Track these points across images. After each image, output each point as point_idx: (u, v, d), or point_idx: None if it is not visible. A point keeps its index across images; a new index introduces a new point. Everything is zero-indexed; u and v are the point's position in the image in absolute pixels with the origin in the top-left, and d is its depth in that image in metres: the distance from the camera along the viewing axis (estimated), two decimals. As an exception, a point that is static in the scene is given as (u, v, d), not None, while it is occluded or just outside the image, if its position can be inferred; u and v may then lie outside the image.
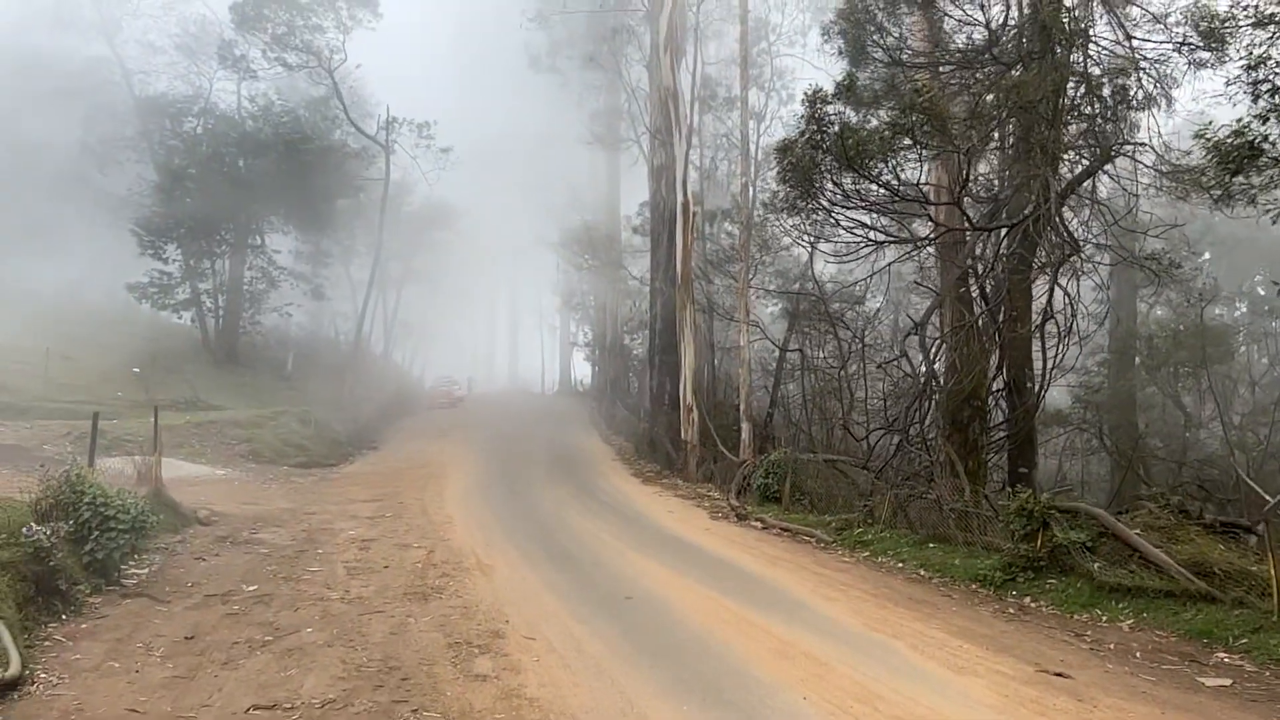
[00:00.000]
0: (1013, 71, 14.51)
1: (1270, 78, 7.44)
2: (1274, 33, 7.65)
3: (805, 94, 14.28)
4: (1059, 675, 7.10)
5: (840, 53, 15.81)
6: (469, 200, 51.72)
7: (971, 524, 12.93)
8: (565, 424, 38.43)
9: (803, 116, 14.38)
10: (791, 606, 9.47)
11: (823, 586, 10.57)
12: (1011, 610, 9.65)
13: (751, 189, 26.22)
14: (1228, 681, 7.00)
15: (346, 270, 44.48)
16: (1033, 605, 9.81)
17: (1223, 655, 7.74)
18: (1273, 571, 8.28)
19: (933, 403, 16.22)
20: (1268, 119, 7.63)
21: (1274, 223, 8.63)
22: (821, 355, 25.77)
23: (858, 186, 14.64)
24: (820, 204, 15.08)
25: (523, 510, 16.61)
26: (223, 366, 36.10)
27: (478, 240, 57.61)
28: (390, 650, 7.51)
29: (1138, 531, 10.18)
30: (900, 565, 12.23)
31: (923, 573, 11.68)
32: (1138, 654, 7.85)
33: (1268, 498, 9.03)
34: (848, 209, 15.28)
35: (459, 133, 45.78)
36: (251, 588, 9.74)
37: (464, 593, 9.83)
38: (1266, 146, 7.73)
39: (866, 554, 13.09)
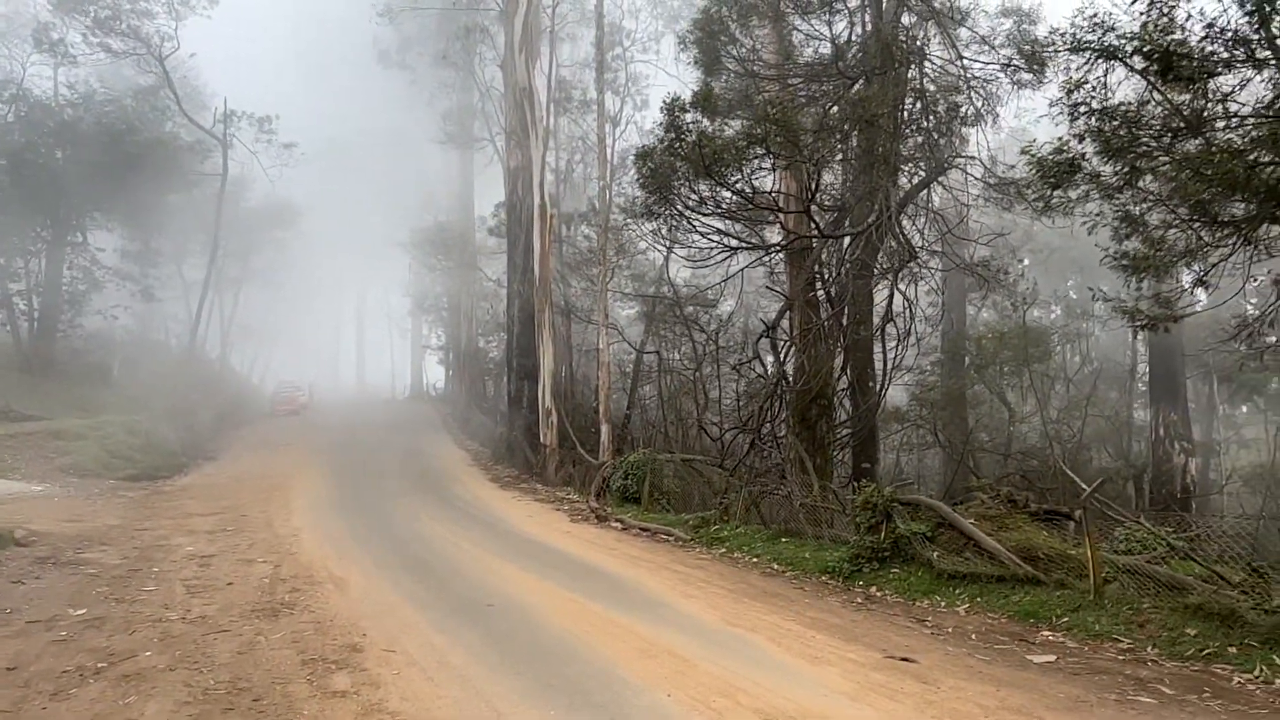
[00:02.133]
0: (857, 86, 15.27)
1: (1087, 100, 8.14)
2: (1089, 58, 8.36)
3: (664, 102, 14.55)
4: (905, 660, 7.51)
5: (695, 62, 16.21)
6: (315, 199, 49.85)
7: (820, 518, 13.52)
8: (418, 430, 37.54)
9: (661, 124, 14.66)
10: (653, 605, 9.62)
11: (682, 584, 10.78)
12: (859, 600, 10.14)
13: (609, 192, 26.43)
14: (1052, 658, 7.59)
15: (179, 270, 41.94)
16: (878, 594, 10.34)
17: (1048, 634, 8.39)
18: (1089, 554, 9.04)
19: (783, 402, 16.83)
20: (1084, 138, 8.35)
21: (1089, 233, 9.47)
22: (678, 357, 26.28)
23: (713, 193, 15.06)
24: (677, 209, 15.40)
25: (376, 521, 16.12)
26: (39, 374, 33.24)
27: (324, 240, 55.59)
28: (239, 671, 7.15)
29: (972, 521, 10.90)
30: (755, 560, 12.63)
31: (776, 567, 12.11)
32: (973, 636, 8.40)
33: (1084, 486, 9.87)
34: (703, 215, 15.68)
35: (304, 128, 43.92)
36: (80, 611, 9.06)
37: (316, 607, 9.46)
38: (1082, 163, 8.46)
39: (723, 550, 13.46)
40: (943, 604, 9.67)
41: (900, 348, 16.78)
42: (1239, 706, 6.24)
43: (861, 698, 6.55)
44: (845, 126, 14.40)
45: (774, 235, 17.39)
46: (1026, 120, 16.91)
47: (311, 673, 7.10)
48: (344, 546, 13.45)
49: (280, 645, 7.94)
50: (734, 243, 16.56)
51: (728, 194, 14.99)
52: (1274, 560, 10.51)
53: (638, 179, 15.68)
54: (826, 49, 16.69)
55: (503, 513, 17.72)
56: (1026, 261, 31.97)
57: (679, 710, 6.27)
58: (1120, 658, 7.56)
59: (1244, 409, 38.25)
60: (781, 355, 16.90)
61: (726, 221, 16.45)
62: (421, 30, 37.16)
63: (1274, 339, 10.40)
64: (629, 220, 20.76)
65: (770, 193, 16.37)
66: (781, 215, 16.42)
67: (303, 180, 44.06)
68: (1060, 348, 31.66)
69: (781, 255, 17.82)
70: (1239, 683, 6.78)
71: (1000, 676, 7.07)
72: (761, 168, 15.55)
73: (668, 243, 19.03)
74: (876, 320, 16.98)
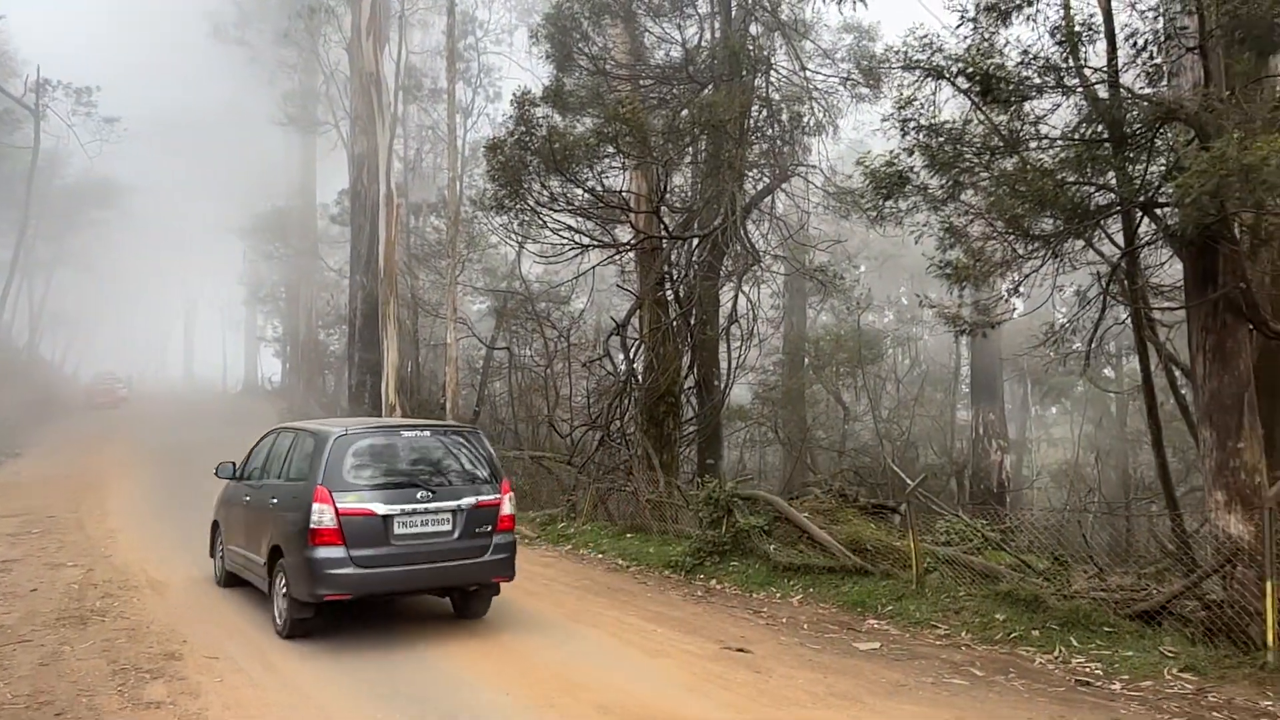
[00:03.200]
0: (705, 91, 15.60)
1: (916, 116, 8.60)
2: (919, 76, 8.84)
3: (514, 95, 14.41)
4: (740, 650, 7.74)
5: (548, 57, 16.13)
6: (142, 180, 46.53)
7: (665, 513, 13.75)
8: (250, 426, 35.46)
9: (512, 117, 14.51)
10: (495, 604, 9.52)
11: (526, 582, 10.69)
12: (700, 593, 10.37)
13: (459, 184, 25.93)
14: (877, 645, 8.00)
15: (-20, 250, 38.27)
16: (718, 587, 10.61)
17: (874, 622, 8.83)
18: (912, 546, 9.59)
19: (632, 400, 17.01)
20: (913, 152, 8.82)
21: (915, 242, 10.03)
22: (529, 353, 26.08)
23: (565, 190, 15.04)
24: (528, 204, 15.28)
25: (200, 522, 15.17)
26: None
27: (151, 223, 52.00)
28: (40, 684, 6.60)
29: (807, 515, 11.35)
30: (601, 556, 12.71)
31: (621, 562, 12.23)
32: (805, 625, 8.74)
33: (908, 481, 10.45)
34: (555, 211, 15.63)
35: (131, 103, 40.97)
36: None
37: (132, 614, 8.86)
38: (911, 176, 8.94)
39: (569, 547, 13.48)
40: (778, 595, 10.02)
41: (744, 348, 17.28)
42: (1039, 685, 6.75)
43: (698, 688, 6.70)
44: (694, 130, 14.67)
45: (625, 234, 17.53)
46: (864, 133, 17.76)
47: (123, 683, 6.63)
48: (164, 549, 12.66)
49: (89, 655, 7.38)
50: (585, 240, 16.59)
51: (579, 191, 14.99)
52: (1074, 550, 11.44)
53: (488, 172, 15.45)
54: (678, 53, 16.98)
55: (341, 512, 17.08)
56: (863, 268, 33.53)
57: (519, 708, 6.23)
58: (938, 643, 8.04)
59: (1053, 410, 41.54)
60: (631, 353, 17.08)
61: (579, 219, 16.46)
62: (262, 5, 35.36)
63: (1078, 345, 11.25)
64: (479, 213, 20.42)
65: (621, 192, 16.49)
66: (632, 215, 16.58)
67: (128, 159, 41.11)
68: (892, 350, 33.40)
69: (632, 254, 18.00)
70: (1040, 663, 7.34)
71: (829, 664, 7.38)
72: (613, 166, 15.66)
73: (520, 238, 18.86)
74: (722, 321, 17.40)
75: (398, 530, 7.75)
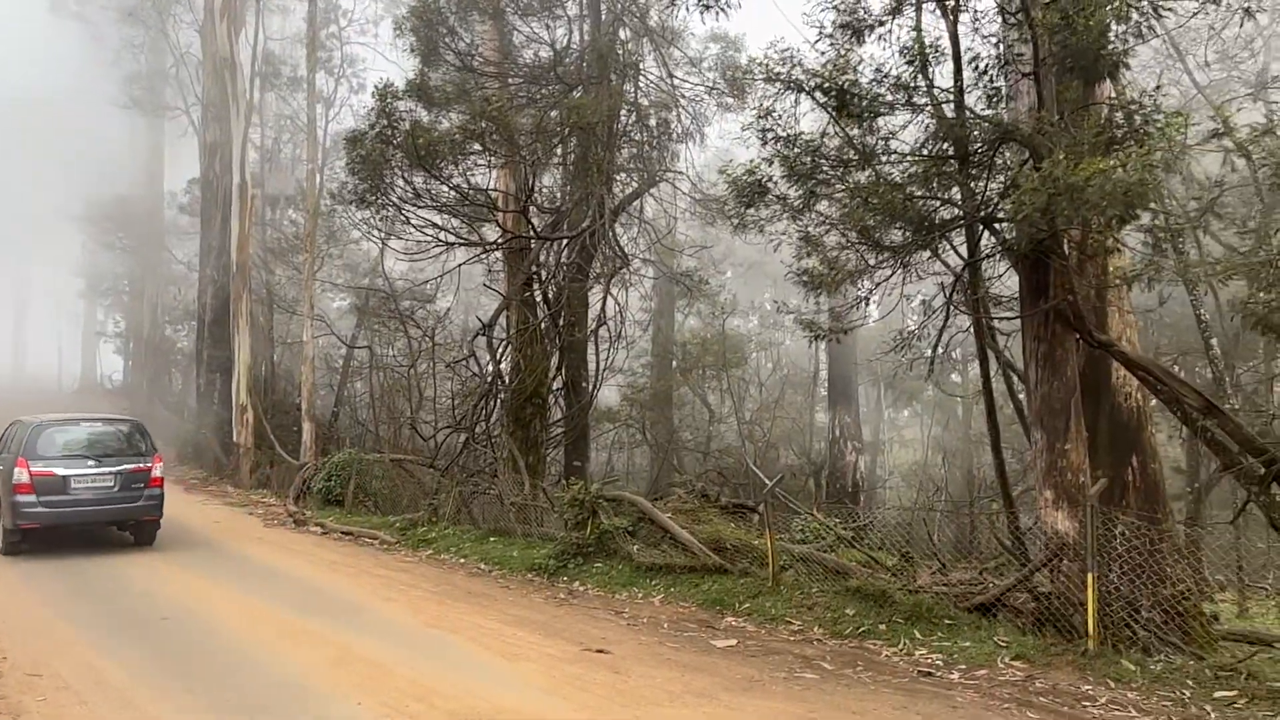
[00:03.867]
0: (574, 92, 15.59)
1: (775, 127, 8.84)
2: (779, 88, 9.09)
3: (376, 87, 14.01)
4: (600, 651, 7.76)
5: (413, 50, 15.75)
6: (-35, 160, 42.63)
7: (530, 516, 13.65)
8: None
9: (374, 109, 14.09)
10: (350, 611, 9.23)
11: (383, 588, 10.43)
12: (562, 595, 10.34)
13: (319, 176, 24.95)
14: (734, 642, 8.17)
15: None
16: (581, 589, 10.61)
17: (732, 619, 9.03)
18: (769, 544, 9.84)
19: (498, 401, 16.81)
20: (773, 162, 9.06)
21: (774, 250, 10.31)
22: (391, 353, 25.40)
23: (429, 186, 14.70)
24: (391, 200, 14.88)
25: (29, 528, 14.15)
26: None
27: (-24, 210, 47.75)
28: None
29: (670, 515, 11.49)
30: (462, 561, 12.51)
31: (483, 566, 12.06)
32: (666, 625, 8.85)
33: (767, 481, 10.71)
34: (419, 207, 15.27)
35: (-48, 79, 37.49)
36: None
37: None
38: (771, 185, 9.18)
39: (430, 552, 13.20)
40: (640, 595, 10.10)
41: (612, 350, 17.35)
42: (885, 677, 7.05)
43: (555, 691, 6.67)
44: (563, 131, 14.64)
45: (493, 233, 17.31)
46: (730, 141, 18.15)
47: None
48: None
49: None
50: (450, 238, 16.27)
51: (445, 188, 14.70)
52: (922, 547, 12.00)
53: (348, 165, 14.94)
54: (547, 53, 16.90)
55: (187, 518, 16.16)
56: (729, 274, 34.28)
57: (370, 718, 6.04)
58: (791, 638, 8.29)
59: (906, 413, 43.56)
60: (498, 354, 16.87)
61: (444, 216, 16.13)
62: (105, -21, 33.09)
63: (928, 352, 11.77)
64: (340, 207, 19.74)
65: (488, 190, 16.26)
66: (500, 214, 16.38)
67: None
68: (756, 354, 34.23)
69: (500, 254, 17.79)
70: (887, 656, 7.67)
71: (687, 662, 7.49)
72: (479, 164, 15.44)
73: (382, 234, 18.35)
74: (591, 323, 17.42)
75: (74, 485, 12.00)
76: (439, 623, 8.85)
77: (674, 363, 26.77)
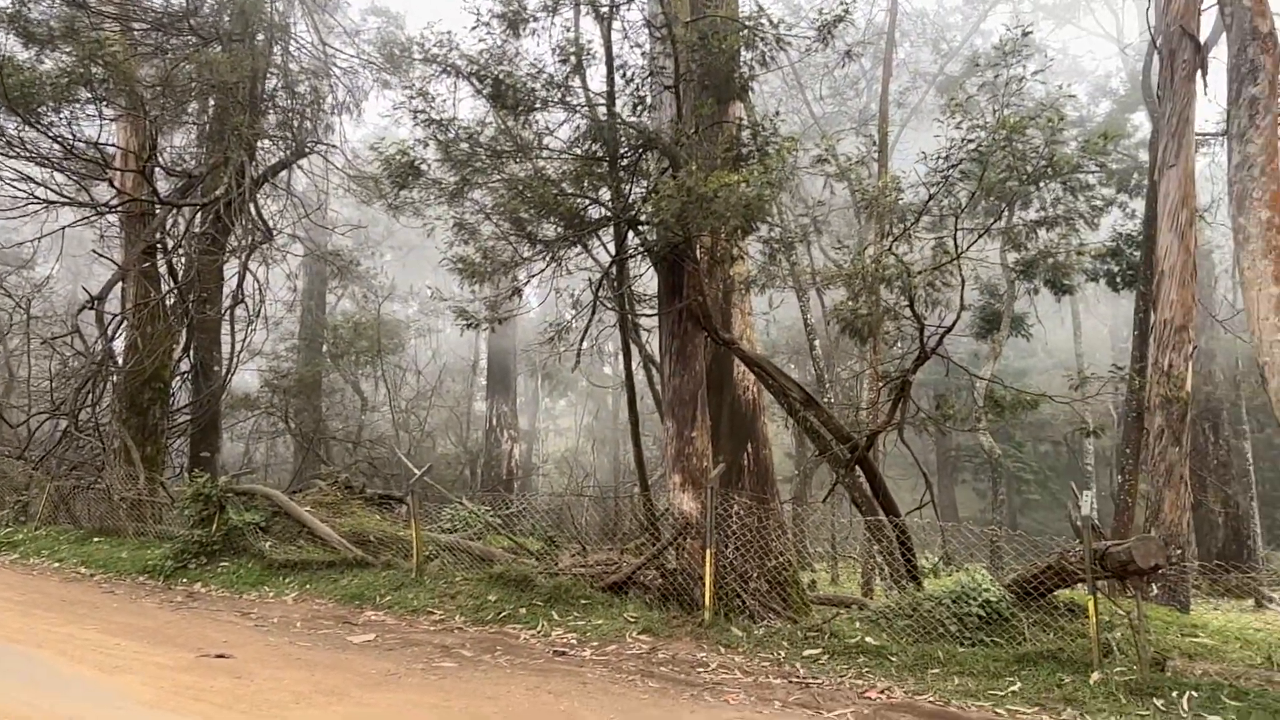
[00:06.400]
0: (213, 48, 14.16)
1: (428, 109, 8.67)
2: (437, 71, 8.93)
3: (-45, 8, 11.74)
4: (220, 657, 7.13)
5: (11, -28, 13.39)
6: None
7: (145, 513, 12.27)
8: None
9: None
10: (-103, 634, 7.68)
11: (-53, 603, 8.81)
12: (180, 598, 9.40)
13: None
14: (372, 636, 7.91)
15: None
16: (203, 590, 9.71)
17: (371, 613, 8.74)
18: (414, 535, 9.67)
19: (109, 385, 14.87)
20: (427, 144, 8.89)
21: (428, 235, 10.15)
22: (-30, 326, 21.48)
23: (22, 134, 12.56)
24: (-29, 145, 12.56)
25: None
26: None
27: None
28: None
29: (309, 509, 10.90)
30: (58, 565, 10.95)
31: (84, 570, 10.63)
32: (299, 624, 8.35)
33: (416, 471, 10.52)
34: (9, 157, 13.01)
35: None
36: None
37: None
38: (425, 168, 9.00)
39: (15, 557, 11.42)
40: (272, 594, 9.46)
41: (250, 330, 16.04)
42: (522, 659, 7.20)
43: (163, 703, 6.02)
44: (196, 88, 13.24)
45: (108, 194, 15.22)
46: (391, 120, 17.55)
47: None
48: None
49: None
50: (53, 196, 14.06)
51: (45, 138, 12.66)
52: (570, 531, 12.46)
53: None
54: (180, 1, 15.18)
55: None
56: (388, 256, 33.25)
57: (-86, 762, 5.05)
58: (432, 628, 8.20)
59: (561, 402, 45.10)
60: (110, 331, 14.89)
61: (44, 170, 13.91)
62: None
63: (586, 345, 12.18)
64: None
65: (101, 145, 14.25)
66: (117, 173, 14.44)
67: None
68: (414, 341, 33.55)
69: (117, 218, 15.72)
70: (525, 638, 7.84)
71: (319, 660, 7.12)
72: (90, 113, 13.47)
73: (-40, 184, 15.41)
74: (226, 300, 15.98)
75: None
76: (22, 636, 7.63)
77: (325, 347, 25.42)
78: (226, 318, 15.69)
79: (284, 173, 15.96)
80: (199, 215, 14.72)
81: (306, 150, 15.32)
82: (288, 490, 12.59)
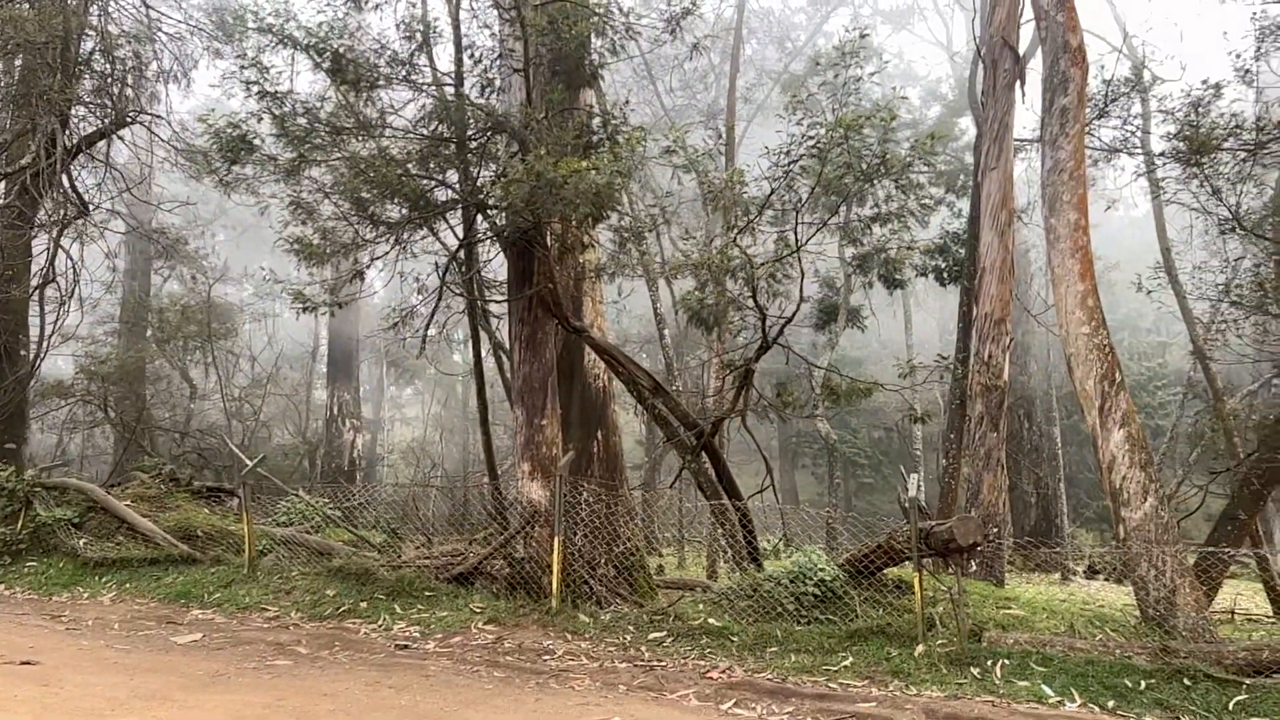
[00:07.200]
0: (18, 3, 12.95)
1: (263, 81, 8.23)
2: (273, 41, 8.49)
3: None
4: (26, 664, 6.59)
5: None
6: None
7: (-63, 512, 11.14)
8: None
9: None
10: None
11: None
12: (-21, 604, 8.61)
13: None
14: (199, 636, 7.49)
15: None
16: (6, 593, 8.95)
17: (198, 612, 8.28)
18: (246, 529, 9.21)
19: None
20: (261, 118, 8.44)
21: (262, 214, 9.65)
22: None
23: None
24: None
25: None
26: None
27: None
28: None
29: (129, 503, 10.20)
30: None
31: None
32: (117, 625, 7.82)
33: (249, 462, 10.01)
34: None
35: None
36: None
37: None
38: (259, 143, 8.54)
39: None
40: (86, 595, 8.82)
41: (63, 312, 14.81)
42: (363, 654, 6.99)
43: (-46, 722, 5.51)
44: (-1, 45, 12.08)
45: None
46: (224, 92, 16.52)
47: None
48: None
49: None
50: None
51: None
52: (416, 522, 12.19)
53: None
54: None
55: None
56: (221, 236, 31.45)
57: None
58: (266, 626, 7.84)
59: (408, 390, 43.95)
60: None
61: None
62: None
63: (434, 331, 11.93)
64: None
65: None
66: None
67: None
68: (249, 326, 31.89)
69: (-98, 186, 14.17)
70: (366, 633, 7.62)
71: (138, 664, 6.69)
72: None
73: None
74: (35, 279, 14.69)
75: None
76: None
77: (149, 331, 23.77)
78: (35, 298, 14.41)
79: (102, 143, 14.74)
80: (2, 185, 13.45)
81: (128, 120, 14.22)
82: (105, 484, 11.71)
